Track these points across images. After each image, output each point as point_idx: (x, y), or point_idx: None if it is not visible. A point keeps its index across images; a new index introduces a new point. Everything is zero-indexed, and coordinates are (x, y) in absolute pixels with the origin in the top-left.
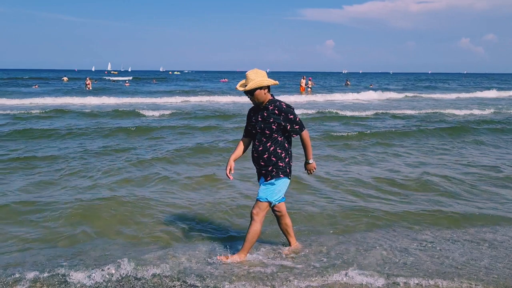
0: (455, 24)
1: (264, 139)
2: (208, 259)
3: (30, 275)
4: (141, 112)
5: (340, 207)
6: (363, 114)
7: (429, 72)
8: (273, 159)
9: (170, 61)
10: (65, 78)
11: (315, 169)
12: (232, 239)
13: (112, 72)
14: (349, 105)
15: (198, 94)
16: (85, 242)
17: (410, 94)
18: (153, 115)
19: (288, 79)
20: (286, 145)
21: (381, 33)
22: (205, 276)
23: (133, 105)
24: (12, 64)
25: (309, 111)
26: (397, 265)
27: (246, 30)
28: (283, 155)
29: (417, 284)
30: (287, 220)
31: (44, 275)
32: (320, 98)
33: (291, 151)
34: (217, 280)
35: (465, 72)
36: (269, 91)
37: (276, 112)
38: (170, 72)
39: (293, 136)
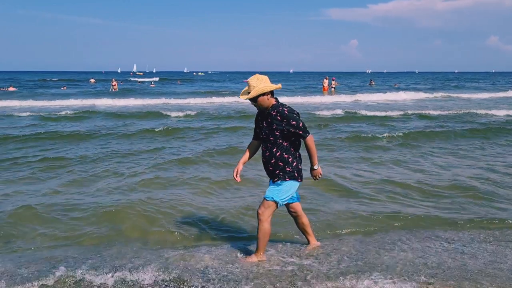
0: (483, 22)
1: (270, 145)
2: (229, 259)
3: (57, 271)
4: (166, 113)
5: (366, 208)
6: (390, 114)
7: (456, 71)
8: (280, 164)
9: (193, 62)
10: (92, 80)
11: (321, 175)
12: (252, 239)
13: (137, 73)
14: (375, 105)
15: (222, 94)
16: (110, 242)
17: (438, 94)
18: (178, 116)
19: (313, 79)
20: (292, 149)
21: (406, 32)
22: (226, 275)
23: (158, 106)
24: (43, 66)
25: (334, 112)
26: (419, 268)
27: (270, 30)
28: (290, 159)
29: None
30: (304, 220)
31: (69, 273)
32: (344, 98)
33: (299, 154)
34: (238, 278)
35: (493, 71)
36: (272, 95)
37: (279, 118)
38: (194, 73)
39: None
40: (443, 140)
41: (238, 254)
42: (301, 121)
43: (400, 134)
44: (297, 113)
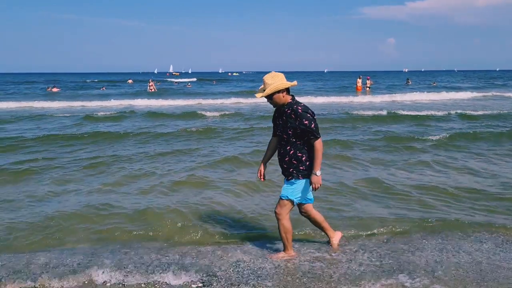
0: None
1: (284, 143)
2: (260, 257)
3: (94, 267)
4: (202, 113)
5: (401, 208)
6: (432, 113)
7: (497, 69)
8: (294, 162)
9: (228, 62)
10: (130, 81)
11: (320, 185)
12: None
13: (174, 73)
14: (414, 105)
15: None
16: (146, 241)
17: (480, 93)
18: (213, 116)
19: (348, 79)
20: (306, 148)
21: (445, 29)
22: (257, 270)
23: (194, 106)
24: (84, 68)
25: (370, 112)
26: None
27: (305, 30)
28: (303, 158)
29: None
30: (317, 217)
31: (107, 269)
32: (382, 97)
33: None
34: (269, 274)
35: None
36: (288, 93)
37: (293, 116)
38: (229, 74)
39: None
40: (488, 141)
41: (268, 251)
42: (313, 122)
43: (444, 135)
44: (312, 112)
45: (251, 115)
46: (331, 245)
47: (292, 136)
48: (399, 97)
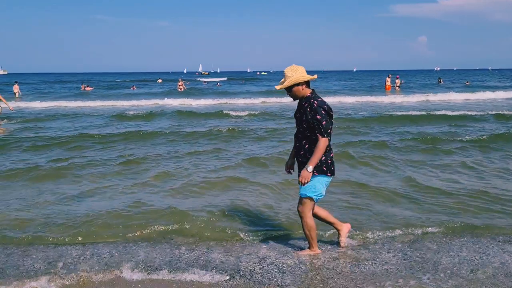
0: None
1: (300, 136)
2: (285, 253)
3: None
4: (230, 112)
5: (428, 212)
6: (463, 114)
7: None
8: (309, 156)
9: (256, 62)
10: (160, 80)
11: (307, 180)
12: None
13: (203, 73)
14: (445, 105)
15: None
16: (175, 238)
17: None
18: (242, 115)
19: (376, 78)
20: None
21: (479, 27)
22: (281, 266)
23: (223, 106)
24: (115, 68)
25: (402, 113)
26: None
27: (334, 29)
28: None
29: None
30: (321, 213)
31: (137, 263)
32: (412, 98)
33: (329, 148)
34: (293, 270)
35: None
36: (308, 86)
37: (308, 109)
38: (258, 73)
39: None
40: None
41: (293, 248)
42: (325, 119)
43: (479, 135)
44: (327, 108)
45: (280, 114)
46: (339, 239)
47: (307, 130)
48: (431, 97)
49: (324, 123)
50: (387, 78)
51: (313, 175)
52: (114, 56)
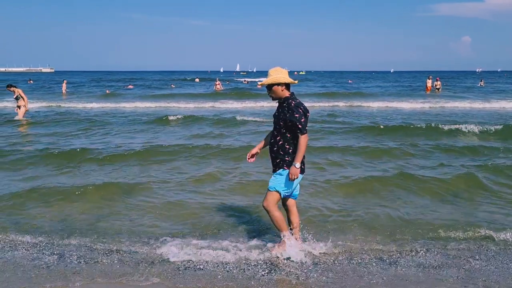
0: None
1: (275, 133)
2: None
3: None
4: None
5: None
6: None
7: None
8: (281, 152)
9: (292, 61)
10: (197, 79)
11: (296, 176)
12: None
13: (241, 73)
14: (485, 113)
15: (328, 96)
16: (217, 233)
17: None
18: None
19: (413, 79)
20: (294, 142)
21: None
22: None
23: (265, 108)
24: (155, 66)
25: (450, 127)
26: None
27: (372, 29)
28: (290, 150)
29: None
30: (293, 218)
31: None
32: (450, 104)
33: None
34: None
35: None
36: (288, 89)
37: (286, 109)
38: (295, 73)
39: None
40: None
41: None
42: (303, 117)
43: None
44: (304, 109)
45: (319, 117)
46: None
47: (283, 127)
48: (478, 104)
49: (302, 120)
50: (428, 79)
51: (284, 169)
52: (151, 56)
